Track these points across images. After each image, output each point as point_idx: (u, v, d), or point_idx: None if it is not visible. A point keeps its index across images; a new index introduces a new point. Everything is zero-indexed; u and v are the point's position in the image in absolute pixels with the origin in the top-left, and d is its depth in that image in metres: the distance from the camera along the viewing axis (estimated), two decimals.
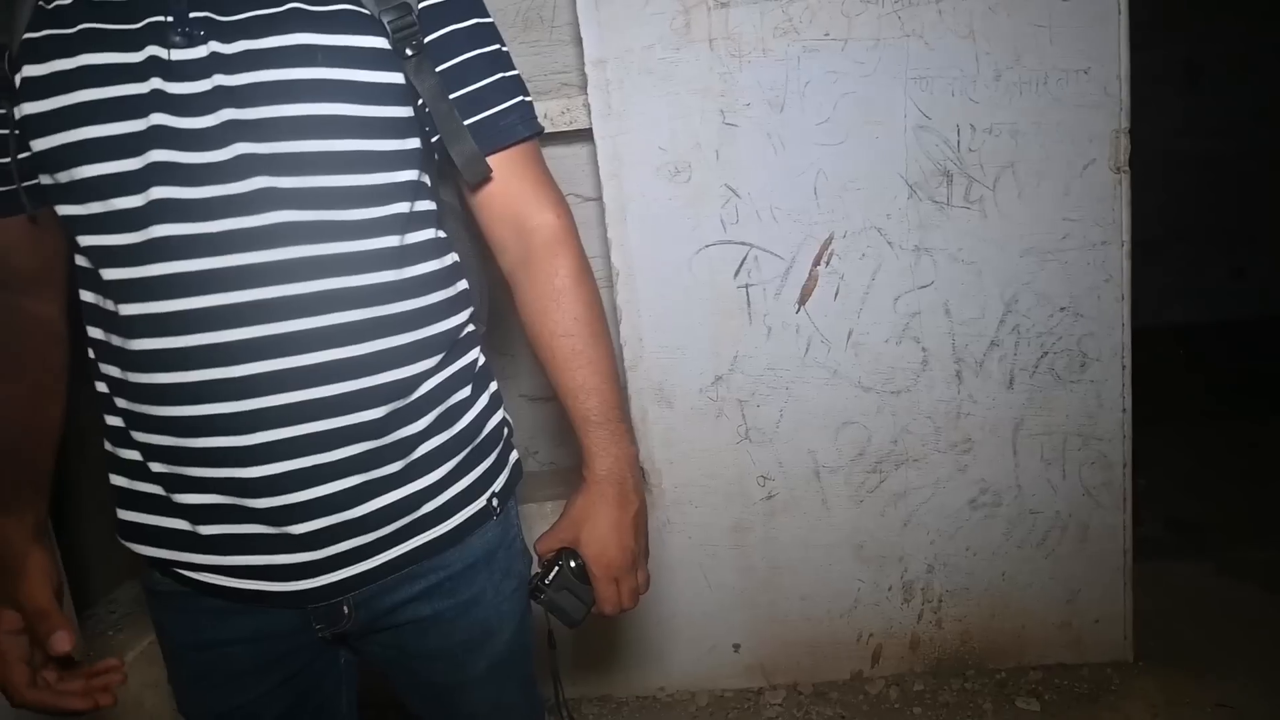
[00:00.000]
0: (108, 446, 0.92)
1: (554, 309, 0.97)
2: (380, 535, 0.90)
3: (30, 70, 0.80)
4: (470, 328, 1.00)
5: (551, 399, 2.26)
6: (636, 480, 1.01)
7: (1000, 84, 1.68)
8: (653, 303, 1.82)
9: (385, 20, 0.86)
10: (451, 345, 0.95)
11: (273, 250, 0.81)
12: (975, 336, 1.80)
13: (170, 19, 0.80)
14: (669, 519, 1.91)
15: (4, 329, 0.91)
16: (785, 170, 1.74)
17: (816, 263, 1.78)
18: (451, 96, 0.91)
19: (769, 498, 1.90)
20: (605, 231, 1.81)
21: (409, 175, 0.90)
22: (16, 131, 0.81)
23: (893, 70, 1.68)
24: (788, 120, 1.72)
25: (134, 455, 0.89)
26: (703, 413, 1.86)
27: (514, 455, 1.05)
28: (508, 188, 0.96)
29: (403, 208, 0.89)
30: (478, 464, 0.98)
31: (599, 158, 1.76)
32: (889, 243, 1.76)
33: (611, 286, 1.83)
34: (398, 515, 0.90)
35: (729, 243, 1.78)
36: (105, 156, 0.79)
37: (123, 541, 0.93)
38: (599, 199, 1.83)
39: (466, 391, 0.97)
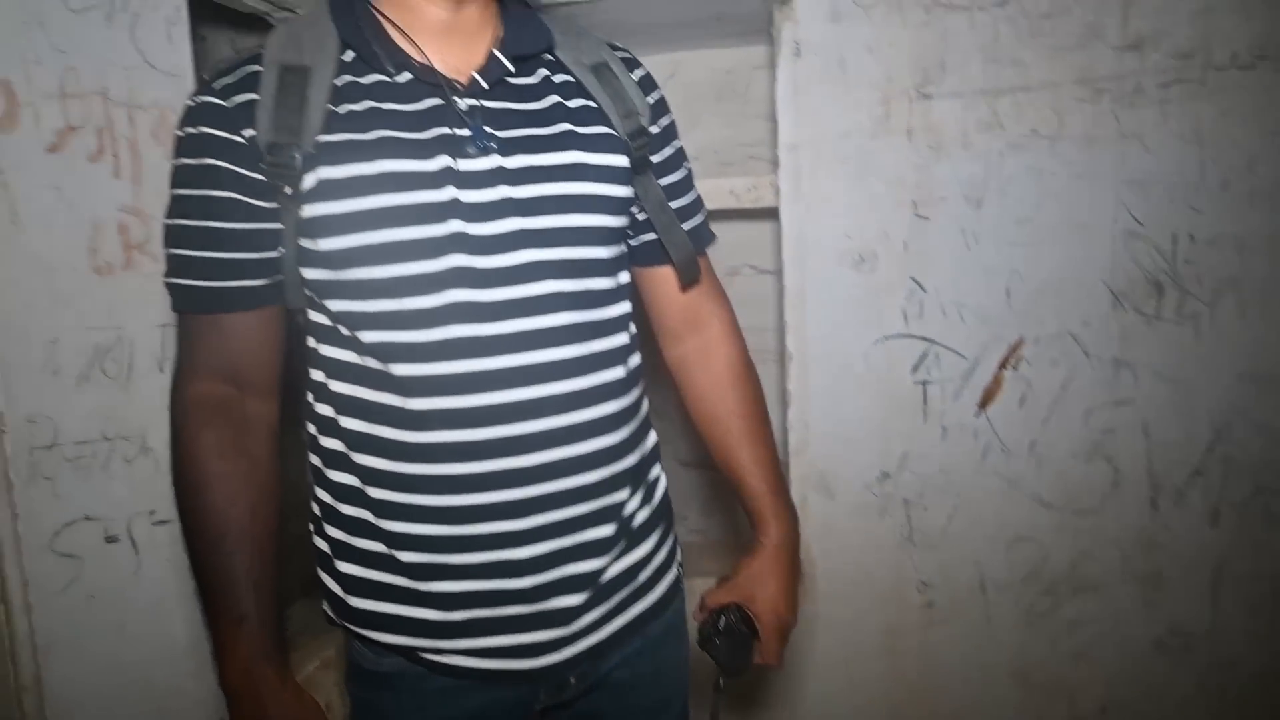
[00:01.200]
0: (338, 534, 0.93)
1: (732, 391, 1.09)
2: (611, 606, 0.95)
3: (327, 173, 0.82)
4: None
5: (704, 466, 2.26)
6: (798, 546, 1.11)
7: (1228, 194, 1.56)
8: (824, 390, 1.78)
9: (631, 143, 0.96)
10: (648, 427, 1.04)
11: (558, 349, 0.88)
12: (1177, 462, 1.65)
13: (468, 133, 0.86)
14: (819, 612, 1.85)
15: (246, 433, 0.89)
16: (977, 268, 1.67)
17: (1002, 366, 1.70)
18: (673, 205, 1.03)
19: (928, 606, 1.80)
20: (781, 310, 1.80)
21: (626, 278, 0.99)
22: (294, 229, 0.85)
23: (1104, 172, 1.60)
24: (984, 217, 1.66)
25: (377, 547, 0.90)
26: (865, 508, 1.80)
27: None
28: (697, 284, 1.08)
29: (627, 307, 0.98)
30: (669, 535, 1.05)
31: (783, 240, 1.76)
32: (1085, 352, 1.66)
33: (782, 368, 1.81)
34: (622, 585, 0.97)
35: (910, 336, 1.73)
36: (407, 258, 0.83)
37: (353, 628, 0.93)
38: (775, 272, 1.83)
39: (657, 468, 1.05)
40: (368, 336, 0.85)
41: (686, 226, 1.05)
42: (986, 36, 1.60)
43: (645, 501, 1.00)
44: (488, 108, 0.88)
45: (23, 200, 1.05)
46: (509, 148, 0.88)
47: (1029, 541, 1.74)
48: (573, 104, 0.94)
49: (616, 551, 0.95)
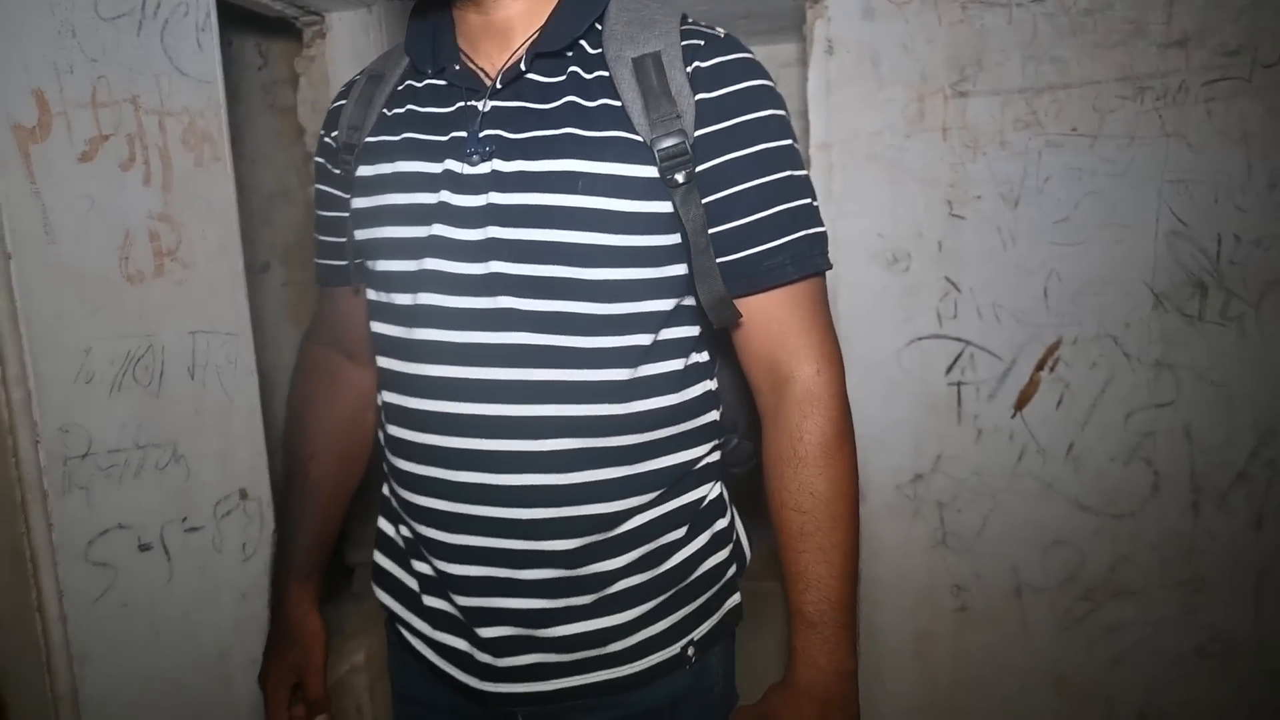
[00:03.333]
0: (385, 490, 1.00)
1: (790, 476, 0.84)
2: (561, 660, 0.88)
3: (363, 170, 0.90)
4: (708, 460, 0.92)
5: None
6: (846, 698, 0.84)
7: (1275, 194, 1.52)
8: (854, 391, 1.71)
9: (656, 149, 0.80)
10: (674, 481, 0.89)
11: (504, 369, 0.82)
12: (1219, 466, 1.62)
13: (465, 135, 0.84)
14: None
15: (333, 390, 1.05)
16: (1014, 268, 1.64)
17: (1040, 367, 1.66)
18: (711, 232, 0.83)
19: (961, 610, 1.78)
20: None
21: (661, 305, 0.85)
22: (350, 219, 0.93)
23: (1146, 171, 1.56)
24: (1021, 216, 1.62)
25: (394, 505, 0.96)
26: (898, 510, 1.77)
27: (734, 598, 0.96)
28: (766, 330, 0.85)
29: (643, 339, 0.84)
30: (680, 607, 0.90)
31: None
32: (1125, 354, 1.62)
33: None
34: (582, 646, 0.87)
35: (944, 337, 1.70)
36: (394, 255, 0.87)
37: (373, 584, 1.02)
38: None
39: (681, 532, 0.90)
40: (371, 325, 0.92)
41: (731, 258, 0.83)
42: (1025, 34, 1.56)
43: (643, 567, 0.87)
44: (505, 108, 0.85)
45: (54, 210, 1.04)
46: (512, 151, 0.82)
47: (1066, 545, 1.71)
48: (591, 104, 0.82)
49: (572, 605, 0.86)
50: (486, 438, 0.83)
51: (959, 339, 1.69)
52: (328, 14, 1.71)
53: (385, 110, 0.91)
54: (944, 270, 1.67)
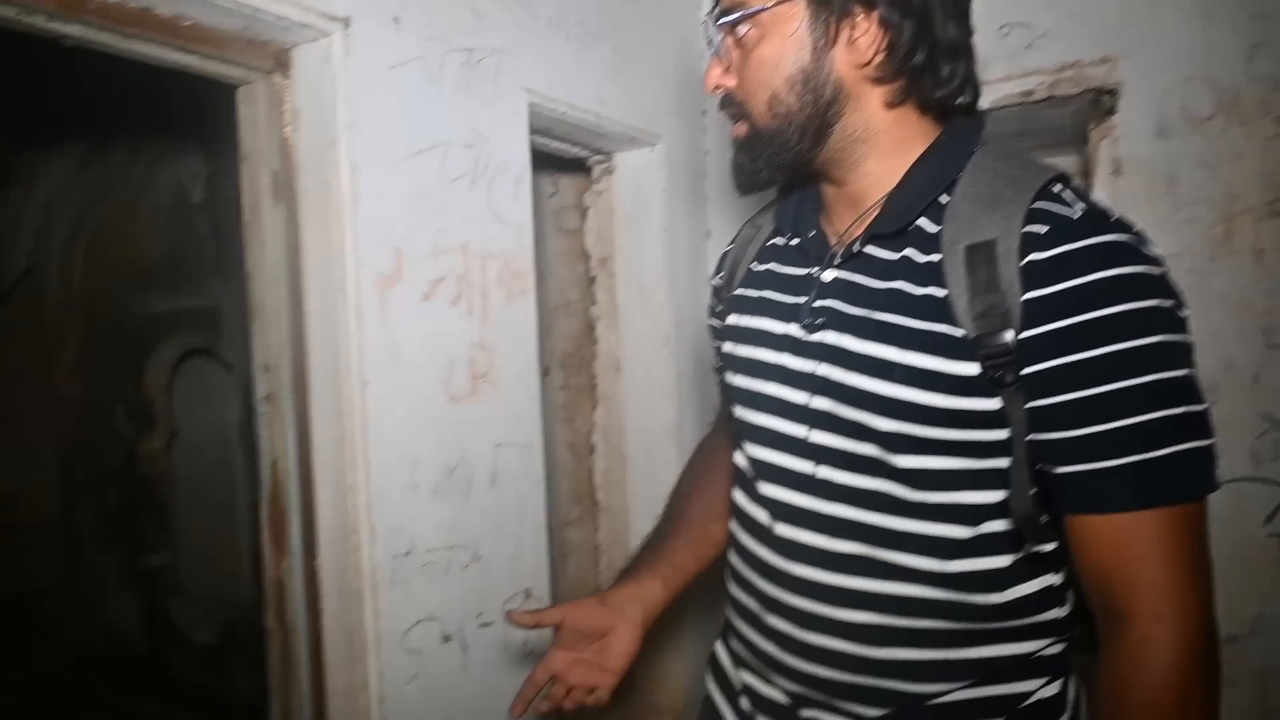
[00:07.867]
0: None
1: None
2: None
3: (731, 319, 0.99)
4: (1045, 653, 0.85)
5: None
6: None
7: None
8: None
9: (980, 347, 0.76)
10: (995, 672, 0.84)
11: (818, 535, 0.87)
12: None
13: (803, 300, 0.89)
14: None
15: (717, 464, 1.10)
16: None
17: None
18: (1029, 438, 0.77)
19: None
20: None
21: (983, 497, 0.82)
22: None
23: None
24: None
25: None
26: None
27: None
28: (1099, 554, 0.76)
29: (958, 531, 0.82)
30: None
31: None
32: None
33: None
34: None
35: (1262, 481, 1.51)
36: (747, 405, 0.94)
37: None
38: None
39: None
40: (736, 457, 0.99)
41: (1055, 470, 0.76)
42: None
43: None
44: (844, 280, 0.87)
45: (401, 342, 1.23)
46: (844, 324, 0.84)
47: None
48: (917, 291, 0.80)
49: None
50: (798, 595, 0.88)
51: None
52: (615, 154, 1.90)
53: (754, 265, 0.99)
54: (1260, 407, 1.50)
